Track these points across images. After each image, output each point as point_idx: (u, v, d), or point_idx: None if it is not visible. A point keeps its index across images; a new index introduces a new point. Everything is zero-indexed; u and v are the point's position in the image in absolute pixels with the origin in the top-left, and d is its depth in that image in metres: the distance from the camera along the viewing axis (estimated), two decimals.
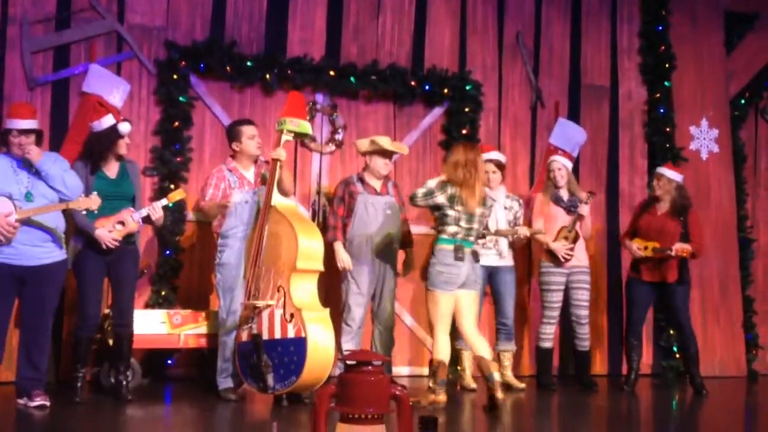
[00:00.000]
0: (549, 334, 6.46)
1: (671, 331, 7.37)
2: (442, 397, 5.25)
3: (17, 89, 6.04)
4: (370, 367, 1.95)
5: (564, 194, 6.51)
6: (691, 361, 6.42)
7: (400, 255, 6.12)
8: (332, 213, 5.93)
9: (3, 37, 6.05)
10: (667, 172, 6.48)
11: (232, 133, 5.63)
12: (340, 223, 5.86)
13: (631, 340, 6.52)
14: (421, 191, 5.23)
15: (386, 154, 5.90)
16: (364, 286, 5.86)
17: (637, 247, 6.37)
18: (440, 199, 5.20)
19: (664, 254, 6.24)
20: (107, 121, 5.20)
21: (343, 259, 5.78)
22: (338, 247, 5.78)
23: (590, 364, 6.72)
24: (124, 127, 5.21)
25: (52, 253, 4.92)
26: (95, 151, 5.20)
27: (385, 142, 5.89)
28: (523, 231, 6.30)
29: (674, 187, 6.40)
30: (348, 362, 1.97)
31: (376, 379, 1.94)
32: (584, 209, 6.38)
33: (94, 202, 4.87)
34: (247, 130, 5.58)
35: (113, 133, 5.18)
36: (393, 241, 5.96)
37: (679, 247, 6.17)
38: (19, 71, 6.06)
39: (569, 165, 6.65)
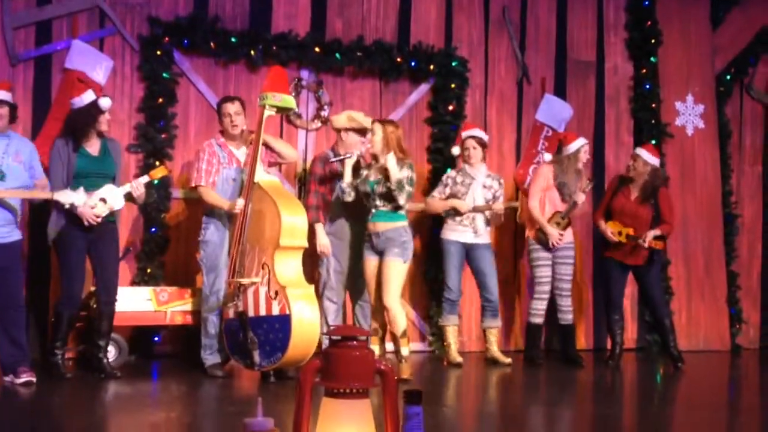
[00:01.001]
0: (540, 309, 6.47)
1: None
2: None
3: None
4: (354, 342, 1.95)
5: (571, 182, 6.43)
6: (667, 332, 6.47)
7: None
8: (314, 192, 5.80)
9: None
10: (644, 153, 6.45)
11: (217, 110, 5.64)
12: (322, 202, 5.78)
13: (613, 316, 6.56)
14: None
15: (362, 131, 5.84)
16: (345, 263, 5.84)
17: (611, 232, 6.38)
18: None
19: (636, 243, 6.29)
20: (88, 96, 5.17)
21: (323, 243, 5.71)
22: (319, 229, 5.69)
23: (575, 338, 6.75)
24: (105, 102, 5.18)
25: (12, 234, 4.96)
26: (77, 127, 5.16)
27: (361, 117, 5.82)
28: (498, 206, 6.28)
29: (648, 171, 6.40)
30: (332, 337, 1.98)
31: (360, 354, 1.95)
32: (580, 197, 6.37)
33: (80, 197, 4.87)
34: (224, 108, 5.54)
35: (94, 109, 5.15)
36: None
37: (651, 242, 6.25)
38: (0, 47, 5.99)
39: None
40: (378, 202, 5.38)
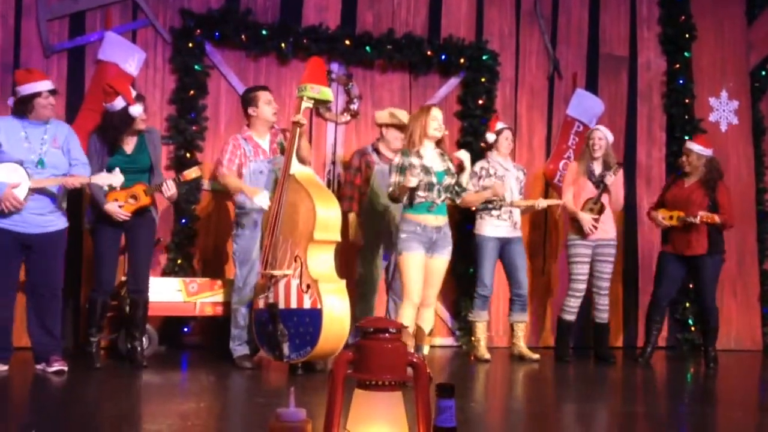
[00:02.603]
0: (573, 307, 6.41)
1: (687, 304, 7.35)
2: None
3: (33, 57, 6.04)
4: (387, 335, 1.94)
5: (597, 168, 6.40)
6: (710, 335, 6.38)
7: None
8: (348, 183, 5.91)
9: (19, 4, 6.04)
10: (696, 147, 6.40)
11: (248, 99, 5.60)
12: (357, 193, 5.85)
13: (655, 316, 6.48)
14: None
15: (403, 128, 5.83)
16: (379, 256, 5.87)
17: (662, 217, 6.32)
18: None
19: (689, 221, 6.18)
20: (118, 103, 5.15)
21: (355, 233, 5.78)
22: (353, 219, 5.79)
23: (608, 337, 6.70)
24: (136, 111, 5.17)
25: (56, 222, 4.99)
26: (112, 131, 5.17)
27: (403, 115, 5.85)
28: (542, 203, 6.27)
29: (703, 163, 6.35)
30: (365, 329, 1.97)
31: (393, 347, 1.94)
32: (609, 178, 6.29)
33: (117, 178, 4.90)
34: (264, 95, 5.55)
35: (126, 116, 5.15)
36: None
37: (704, 215, 6.12)
38: (35, 39, 6.06)
39: (610, 137, 6.50)
40: (443, 195, 5.10)
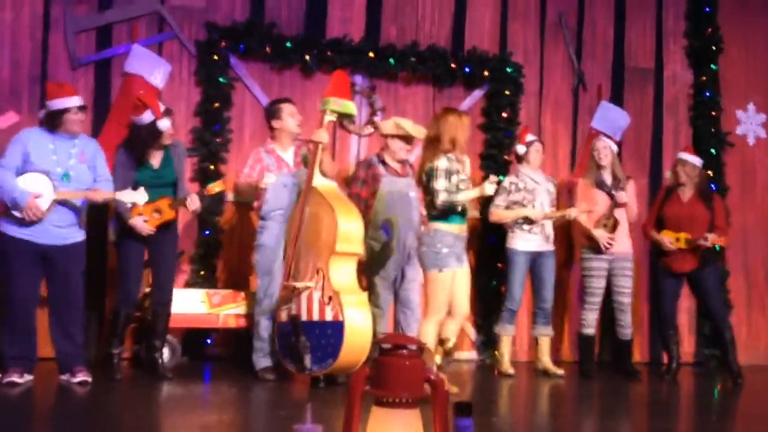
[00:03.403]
0: (591, 320, 6.36)
1: None
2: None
3: (61, 69, 6.10)
4: (405, 351, 1.93)
5: (607, 178, 6.37)
6: (728, 349, 6.29)
7: None
8: (355, 196, 5.79)
9: (47, 17, 6.11)
10: (690, 157, 6.35)
11: (271, 111, 5.61)
12: (362, 206, 5.77)
13: (667, 331, 6.41)
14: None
15: (408, 139, 5.80)
16: (390, 268, 5.80)
17: (668, 240, 6.24)
18: None
19: (698, 245, 6.13)
20: (147, 117, 5.20)
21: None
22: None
23: (632, 353, 6.63)
24: (163, 125, 5.22)
25: (74, 234, 5.03)
26: (139, 144, 5.22)
27: (408, 126, 5.78)
28: (573, 213, 6.23)
29: (697, 173, 6.30)
30: (383, 345, 1.96)
31: (411, 364, 1.92)
32: (622, 197, 6.25)
33: (141, 196, 4.94)
34: (287, 107, 5.56)
35: (154, 130, 5.20)
36: (415, 224, 5.88)
37: (714, 238, 6.10)
38: (62, 51, 6.13)
39: (614, 148, 6.49)
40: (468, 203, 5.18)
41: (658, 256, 6.43)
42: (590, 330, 6.37)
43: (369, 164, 5.78)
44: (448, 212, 5.06)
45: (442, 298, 5.04)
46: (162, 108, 5.26)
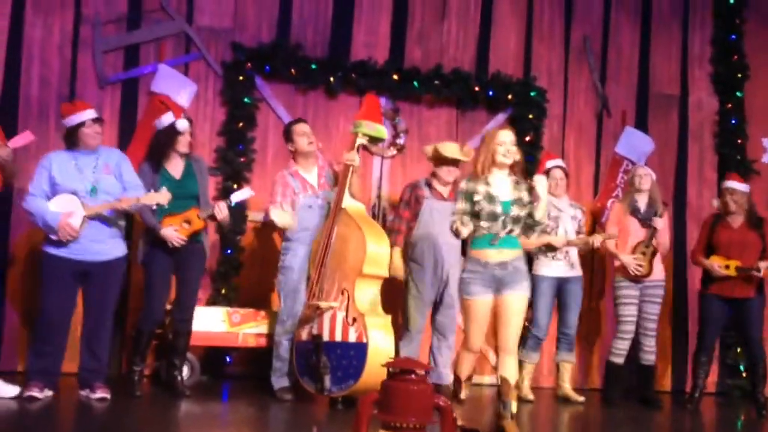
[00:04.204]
0: (622, 349, 6.25)
1: (738, 349, 7.16)
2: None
3: (88, 88, 6.19)
4: (413, 376, 1.92)
5: (642, 205, 6.32)
6: (759, 381, 6.19)
7: None
8: (397, 216, 5.89)
9: (76, 36, 6.22)
10: (738, 185, 6.30)
11: (285, 135, 5.63)
12: (404, 227, 5.83)
13: (701, 358, 6.31)
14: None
15: (448, 161, 5.83)
16: (425, 292, 5.81)
17: (718, 265, 6.16)
18: None
19: (750, 273, 6.06)
20: (167, 118, 5.30)
21: (398, 265, 5.73)
22: (396, 253, 5.73)
23: (654, 380, 6.55)
24: (182, 124, 5.29)
25: (114, 249, 5.04)
26: (157, 148, 5.30)
27: (444, 149, 5.81)
28: (597, 239, 6.18)
29: (746, 200, 6.25)
30: (391, 370, 1.95)
31: (419, 389, 1.92)
32: (659, 223, 6.20)
33: (164, 196, 4.97)
34: (297, 128, 5.55)
35: (172, 131, 5.27)
36: (457, 248, 5.90)
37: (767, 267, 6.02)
38: (90, 70, 6.22)
39: (653, 176, 6.44)
40: (509, 227, 4.51)
41: (705, 283, 6.35)
42: (620, 359, 6.26)
43: (414, 186, 5.88)
44: (476, 236, 4.56)
45: (468, 326, 4.53)
46: (183, 116, 5.31)
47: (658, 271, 6.32)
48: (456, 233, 4.62)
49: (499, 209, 4.47)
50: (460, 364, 4.68)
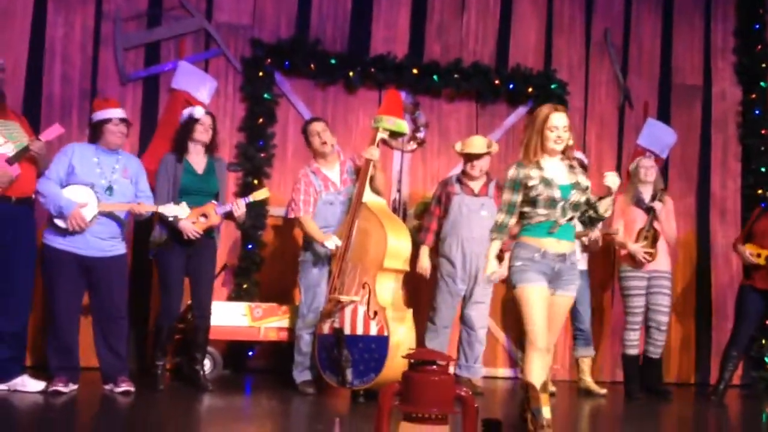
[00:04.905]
0: (634, 340, 6.24)
1: (763, 341, 7.09)
2: None
3: (110, 85, 6.24)
4: (434, 367, 1.92)
5: (646, 196, 6.29)
6: None
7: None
8: (428, 213, 5.94)
9: (97, 33, 6.27)
10: None
11: (303, 135, 5.65)
12: (434, 224, 5.87)
13: (732, 352, 6.24)
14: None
15: (472, 156, 5.84)
16: (454, 286, 5.83)
17: (750, 253, 6.11)
18: None
19: None
20: (187, 111, 5.38)
21: (423, 265, 5.76)
22: (424, 251, 5.78)
23: (661, 372, 6.52)
24: (197, 111, 5.34)
25: (116, 247, 5.09)
26: (179, 140, 5.35)
27: (474, 144, 5.84)
28: (595, 233, 6.14)
29: None
30: (412, 361, 1.96)
31: (440, 380, 1.92)
32: (657, 205, 6.17)
33: (183, 210, 5.03)
34: (311, 128, 5.55)
35: (190, 119, 5.32)
36: (486, 243, 5.87)
37: None
38: (111, 67, 6.27)
39: (657, 168, 6.43)
40: (569, 214, 4.06)
41: (746, 274, 6.29)
42: (634, 350, 6.25)
43: (446, 183, 5.94)
44: (525, 223, 4.09)
45: (528, 319, 3.97)
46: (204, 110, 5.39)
47: (665, 262, 6.27)
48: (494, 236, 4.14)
49: (557, 194, 4.02)
50: (529, 369, 4.00)
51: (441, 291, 5.85)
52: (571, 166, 4.15)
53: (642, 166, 6.35)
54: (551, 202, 4.01)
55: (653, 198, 6.24)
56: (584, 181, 4.14)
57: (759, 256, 6.09)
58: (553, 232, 4.02)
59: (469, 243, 5.80)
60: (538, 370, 3.98)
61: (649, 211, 6.19)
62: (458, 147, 5.92)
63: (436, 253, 5.93)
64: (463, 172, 5.95)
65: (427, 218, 5.94)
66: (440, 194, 5.93)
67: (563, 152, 4.15)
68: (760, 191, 7.06)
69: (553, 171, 4.08)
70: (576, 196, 4.06)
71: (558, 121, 4.10)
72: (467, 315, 5.89)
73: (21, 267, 4.92)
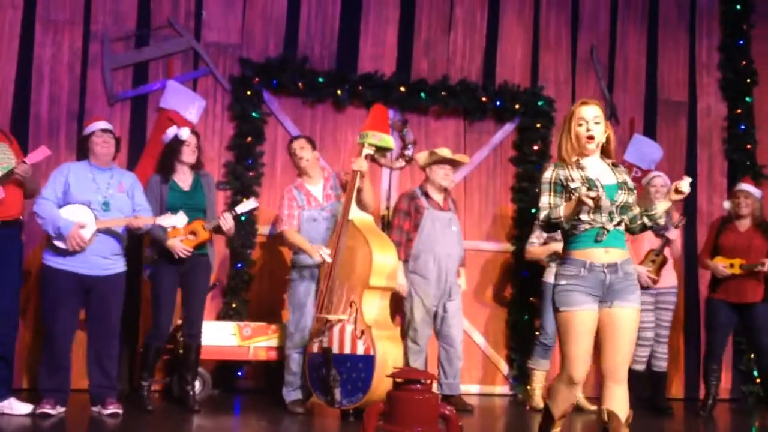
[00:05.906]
0: (642, 356, 6.22)
1: (752, 355, 7.11)
2: None
3: (98, 105, 6.24)
4: (418, 386, 1.93)
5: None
6: None
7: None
8: (397, 228, 5.87)
9: (85, 53, 6.27)
10: (752, 189, 6.29)
11: (289, 153, 5.68)
12: (404, 239, 5.83)
13: (711, 365, 6.27)
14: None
15: (445, 163, 5.85)
16: (429, 303, 5.82)
17: (722, 266, 6.15)
18: None
19: (755, 270, 6.01)
20: (171, 131, 5.38)
21: (401, 282, 5.70)
22: (399, 268, 5.73)
23: (666, 386, 6.51)
24: (183, 133, 5.34)
25: (116, 265, 5.08)
26: (164, 161, 5.36)
27: (444, 151, 5.87)
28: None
29: (759, 206, 6.24)
30: (396, 380, 1.96)
31: (424, 398, 1.92)
32: (673, 233, 6.18)
33: (180, 219, 5.02)
34: (292, 147, 5.58)
35: (175, 141, 5.32)
36: (458, 258, 5.92)
37: None
38: (99, 87, 6.27)
39: (669, 184, 6.43)
40: (617, 218, 3.58)
41: (712, 287, 6.32)
42: (640, 366, 6.22)
43: (412, 196, 5.87)
44: (569, 234, 3.59)
45: (568, 348, 3.52)
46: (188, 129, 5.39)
47: (671, 278, 6.31)
48: (554, 225, 3.56)
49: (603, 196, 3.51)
50: (555, 399, 3.64)
51: (418, 309, 5.80)
52: (614, 164, 3.69)
53: (652, 185, 6.35)
54: (594, 209, 3.50)
55: (668, 217, 6.20)
56: (630, 181, 3.67)
57: (732, 266, 6.11)
58: (600, 240, 3.53)
59: (444, 260, 5.80)
60: (563, 403, 3.64)
61: (659, 233, 6.18)
62: (426, 156, 5.87)
63: (406, 270, 5.85)
64: (428, 184, 5.89)
65: (397, 233, 5.82)
66: (408, 208, 5.86)
67: (602, 152, 3.68)
68: None
69: (596, 170, 3.61)
70: (623, 197, 3.57)
71: (586, 112, 3.62)
72: (445, 331, 5.88)
73: (7, 290, 4.90)
